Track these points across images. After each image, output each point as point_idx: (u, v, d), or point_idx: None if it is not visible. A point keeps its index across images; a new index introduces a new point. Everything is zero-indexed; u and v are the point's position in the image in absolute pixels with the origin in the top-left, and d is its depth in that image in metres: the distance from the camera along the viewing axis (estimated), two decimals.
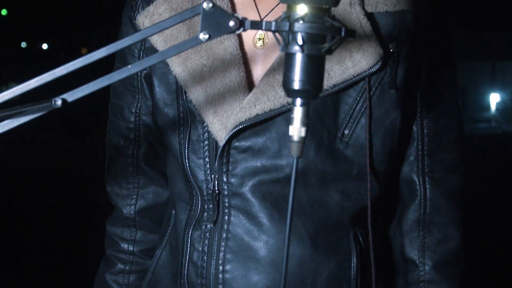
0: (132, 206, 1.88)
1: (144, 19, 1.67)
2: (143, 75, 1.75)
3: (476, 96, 19.73)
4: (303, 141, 1.02)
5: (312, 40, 0.98)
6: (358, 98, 1.58)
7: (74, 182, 9.39)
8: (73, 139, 13.27)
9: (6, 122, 1.02)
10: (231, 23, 1.01)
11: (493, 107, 19.80)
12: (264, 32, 1.60)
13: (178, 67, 1.62)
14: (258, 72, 1.63)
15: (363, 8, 1.57)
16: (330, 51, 1.00)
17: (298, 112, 1.02)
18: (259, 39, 1.64)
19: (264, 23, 1.00)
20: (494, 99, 20.03)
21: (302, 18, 0.98)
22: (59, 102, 1.02)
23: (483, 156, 11.75)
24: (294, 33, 0.98)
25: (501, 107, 19.72)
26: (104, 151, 1.91)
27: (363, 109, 1.59)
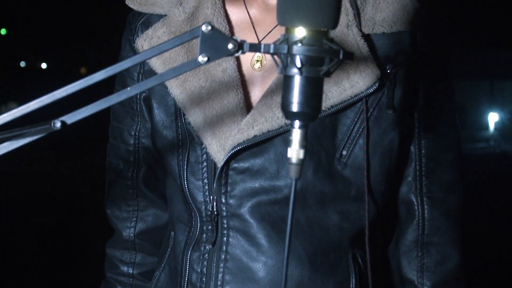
0: (132, 229, 1.89)
1: (143, 42, 1.67)
2: (142, 98, 1.76)
3: (474, 116, 19.75)
4: (302, 163, 1.02)
5: (310, 62, 0.99)
6: (356, 119, 1.59)
7: (74, 202, 9.37)
8: (72, 159, 13.26)
9: (5, 144, 1.02)
10: (230, 46, 1.02)
11: (491, 126, 19.81)
12: (262, 54, 1.61)
13: (176, 89, 1.62)
14: (256, 93, 1.64)
15: (360, 30, 1.58)
16: (328, 74, 1.00)
17: (296, 134, 1.02)
18: (257, 61, 1.65)
19: (262, 45, 1.00)
20: (493, 118, 20.04)
21: (301, 40, 0.98)
22: (58, 124, 1.02)
23: (482, 175, 11.73)
24: (292, 56, 0.99)
25: (499, 126, 19.73)
26: (104, 172, 1.91)
27: (360, 129, 1.59)
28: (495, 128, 19.75)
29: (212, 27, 1.02)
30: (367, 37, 1.59)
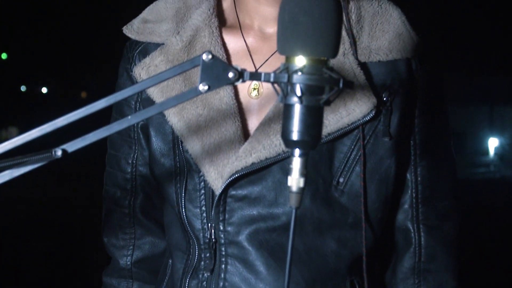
0: (129, 257, 1.88)
1: (141, 70, 1.68)
2: (139, 125, 1.76)
3: (474, 141, 19.77)
4: (302, 191, 1.03)
5: (310, 91, 0.99)
6: (353, 147, 1.60)
7: (73, 229, 9.35)
8: (72, 186, 13.23)
9: (6, 172, 1.02)
10: (230, 75, 1.02)
11: (491, 151, 19.80)
12: (259, 82, 1.62)
13: (174, 117, 1.63)
14: (253, 121, 1.64)
15: (356, 58, 1.59)
16: (328, 102, 1.01)
17: (296, 163, 1.02)
18: (254, 89, 1.65)
19: (263, 74, 1.01)
20: (493, 143, 20.04)
21: (301, 69, 0.99)
22: (59, 153, 1.02)
23: (481, 201, 11.73)
24: (292, 85, 0.99)
25: (499, 151, 19.73)
26: (101, 199, 1.91)
27: (357, 157, 1.60)
28: (495, 154, 19.74)
29: (213, 56, 1.02)
30: (363, 65, 1.60)
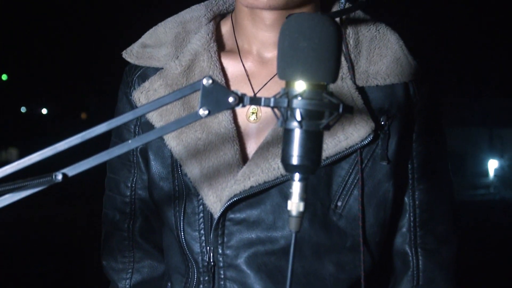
0: (128, 280, 1.88)
1: (140, 95, 1.69)
2: (139, 149, 1.77)
3: (474, 163, 19.73)
4: (302, 215, 1.03)
5: (310, 116, 1.00)
6: (351, 170, 1.60)
7: (72, 251, 9.33)
8: (70, 208, 13.21)
9: (7, 196, 1.02)
10: (231, 99, 1.02)
11: (491, 173, 19.75)
12: (258, 106, 1.63)
13: (173, 141, 1.63)
14: (251, 145, 1.65)
15: (354, 83, 1.60)
16: (328, 127, 1.01)
17: (296, 187, 1.02)
18: (252, 113, 1.66)
19: (263, 99, 1.01)
20: (492, 165, 19.99)
21: (301, 94, 0.99)
22: (59, 177, 1.02)
23: (481, 222, 11.70)
24: (292, 109, 1.00)
25: (499, 173, 19.68)
26: (101, 221, 1.91)
27: (355, 181, 1.60)
28: (495, 175, 19.70)
29: (213, 80, 1.03)
30: (361, 90, 1.61)
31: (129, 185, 1.81)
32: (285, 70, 1.01)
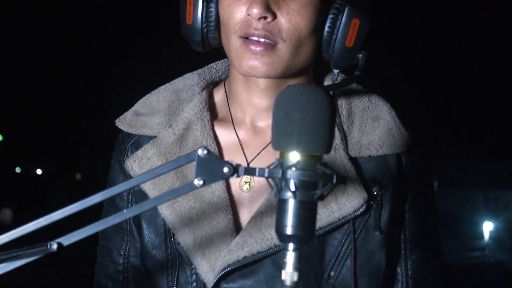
0: None
1: (133, 163, 1.70)
2: (132, 217, 1.76)
3: (469, 225, 19.69)
4: (296, 285, 1.03)
5: (304, 186, 1.01)
6: (344, 240, 1.60)
7: None
8: (63, 272, 13.12)
9: (2, 265, 1.02)
10: (225, 170, 1.03)
11: (486, 235, 19.70)
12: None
13: (166, 210, 1.64)
14: (244, 214, 1.65)
15: (347, 153, 1.62)
16: (322, 198, 1.02)
17: (290, 257, 1.03)
18: (246, 182, 1.67)
19: (257, 169, 1.02)
20: (487, 227, 19.96)
21: (295, 165, 1.00)
22: (54, 246, 1.03)
23: (477, 285, 11.65)
24: (286, 180, 1.00)
25: (494, 235, 19.63)
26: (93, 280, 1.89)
27: (348, 251, 1.60)
28: (490, 237, 19.64)
29: (208, 151, 1.04)
30: (354, 160, 1.63)
31: (122, 252, 1.80)
32: (280, 141, 1.02)
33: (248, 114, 1.71)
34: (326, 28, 1.60)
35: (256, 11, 1.51)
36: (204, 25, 1.64)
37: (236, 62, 1.58)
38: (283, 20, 1.54)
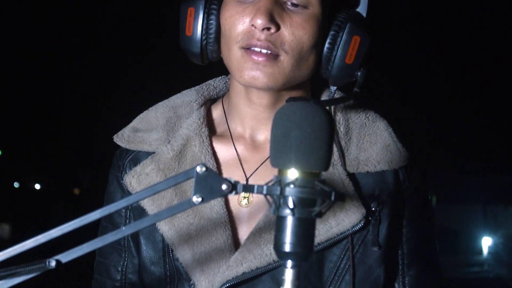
0: None
1: (132, 179, 1.69)
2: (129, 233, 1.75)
3: (468, 240, 19.64)
4: None
5: (302, 204, 1.01)
6: (342, 256, 1.60)
7: None
8: (60, 283, 13.05)
9: (0, 282, 1.02)
10: (224, 187, 1.03)
11: (485, 250, 19.64)
12: None
13: (165, 225, 1.63)
14: (243, 230, 1.65)
15: (345, 169, 1.62)
16: (320, 215, 1.02)
17: (289, 274, 1.03)
18: (244, 197, 1.67)
19: (255, 187, 1.02)
20: (486, 242, 19.90)
21: (293, 182, 1.00)
22: (53, 263, 1.03)
23: None
24: (285, 197, 1.00)
25: (493, 250, 19.57)
26: None
27: (347, 266, 1.60)
28: (489, 253, 19.59)
29: (207, 168, 1.04)
30: (352, 176, 1.63)
31: (120, 269, 1.79)
32: (278, 158, 1.03)
33: (247, 128, 1.71)
34: (327, 44, 1.61)
35: (260, 21, 1.52)
36: (204, 37, 1.64)
37: (237, 73, 1.58)
38: (286, 32, 1.54)
